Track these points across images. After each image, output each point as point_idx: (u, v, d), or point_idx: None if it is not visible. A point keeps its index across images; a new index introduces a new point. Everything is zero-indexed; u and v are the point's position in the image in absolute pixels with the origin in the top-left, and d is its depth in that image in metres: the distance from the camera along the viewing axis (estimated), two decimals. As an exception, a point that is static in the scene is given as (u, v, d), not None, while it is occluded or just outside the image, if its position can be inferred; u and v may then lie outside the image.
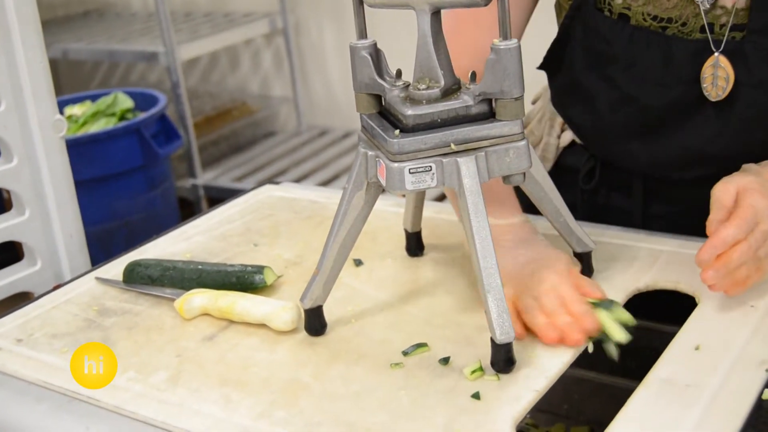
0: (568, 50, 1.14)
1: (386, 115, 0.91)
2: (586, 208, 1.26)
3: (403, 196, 1.20)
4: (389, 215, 1.26)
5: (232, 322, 1.03)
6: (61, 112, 1.48)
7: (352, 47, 0.91)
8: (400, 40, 1.64)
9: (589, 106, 1.16)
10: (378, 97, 0.92)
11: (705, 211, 0.95)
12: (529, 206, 1.06)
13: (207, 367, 0.95)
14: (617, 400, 0.84)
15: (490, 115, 0.87)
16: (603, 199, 1.26)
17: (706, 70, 1.04)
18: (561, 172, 1.28)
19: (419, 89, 0.88)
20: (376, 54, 0.91)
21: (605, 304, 0.94)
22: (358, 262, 1.14)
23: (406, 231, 1.15)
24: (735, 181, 0.95)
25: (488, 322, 0.86)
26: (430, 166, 0.86)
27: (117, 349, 0.98)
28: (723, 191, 0.94)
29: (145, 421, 0.87)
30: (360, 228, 0.95)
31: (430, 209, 1.23)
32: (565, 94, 1.21)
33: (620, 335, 0.91)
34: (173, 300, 1.07)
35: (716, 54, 1.03)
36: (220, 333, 1.01)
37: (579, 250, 1.04)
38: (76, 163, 1.49)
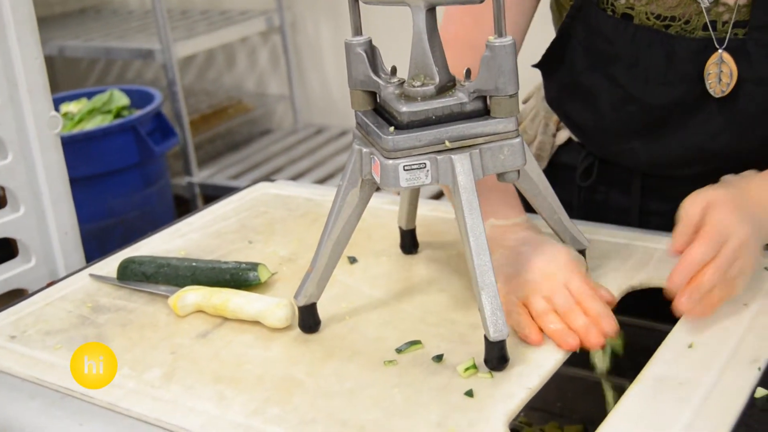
0: (569, 49, 1.14)
1: (381, 112, 0.91)
2: (582, 205, 1.27)
3: (398, 193, 1.20)
4: (384, 212, 1.26)
5: (226, 319, 1.03)
6: (57, 109, 1.48)
7: (347, 44, 0.91)
8: (396, 37, 1.64)
9: (589, 105, 1.16)
10: (373, 94, 0.92)
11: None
12: (524, 204, 1.06)
13: (201, 364, 0.95)
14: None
15: (484, 112, 0.87)
16: (600, 196, 1.26)
17: (710, 67, 1.04)
18: (556, 169, 1.28)
19: (414, 86, 0.88)
20: (371, 51, 0.91)
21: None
22: (352, 260, 1.14)
23: (400, 228, 1.15)
24: (704, 196, 0.93)
25: (482, 320, 0.86)
26: (425, 163, 0.86)
27: (111, 346, 0.98)
28: (690, 206, 0.92)
29: (139, 418, 0.87)
30: (354, 225, 0.95)
31: (424, 207, 1.23)
32: (564, 93, 1.21)
33: (603, 365, 0.92)
34: (167, 297, 1.07)
35: (719, 51, 1.03)
36: (214, 330, 1.01)
37: (574, 248, 1.04)
38: (71, 160, 1.49)
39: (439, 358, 0.91)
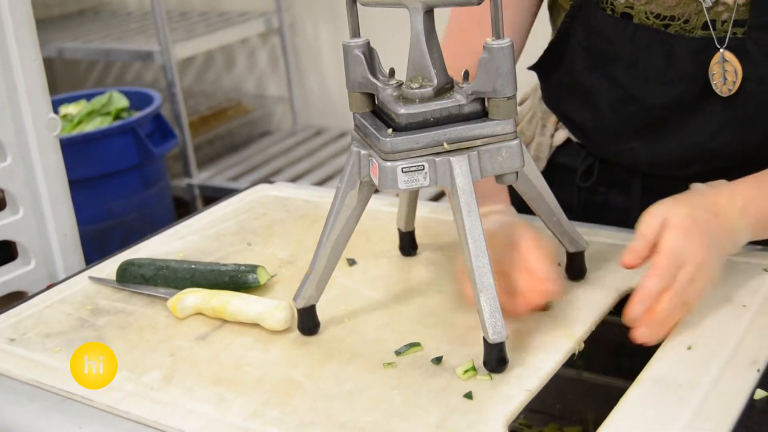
0: (568, 49, 1.14)
1: (379, 114, 0.91)
2: (582, 206, 1.27)
3: (397, 195, 1.20)
4: (383, 214, 1.26)
5: (225, 321, 1.03)
6: (56, 111, 1.48)
7: (345, 46, 0.91)
8: (393, 39, 1.64)
9: (589, 105, 1.16)
10: (371, 96, 0.92)
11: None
12: (522, 206, 1.06)
13: (200, 367, 0.95)
14: (610, 399, 0.84)
15: (482, 114, 0.87)
16: (600, 196, 1.26)
17: (714, 67, 1.04)
18: (555, 170, 1.28)
19: (412, 88, 0.88)
20: (369, 53, 0.91)
21: None
22: (351, 262, 1.14)
23: (399, 230, 1.15)
24: (662, 212, 0.92)
25: (481, 322, 0.86)
26: (423, 165, 0.85)
27: (110, 348, 0.98)
28: (646, 224, 0.92)
29: (138, 420, 0.87)
30: (353, 227, 0.95)
31: (423, 209, 1.23)
32: (564, 93, 1.21)
33: None
34: (166, 299, 1.07)
35: (721, 50, 1.03)
36: (214, 332, 1.01)
37: (572, 249, 1.04)
38: (70, 162, 1.49)
39: (438, 360, 0.91)
